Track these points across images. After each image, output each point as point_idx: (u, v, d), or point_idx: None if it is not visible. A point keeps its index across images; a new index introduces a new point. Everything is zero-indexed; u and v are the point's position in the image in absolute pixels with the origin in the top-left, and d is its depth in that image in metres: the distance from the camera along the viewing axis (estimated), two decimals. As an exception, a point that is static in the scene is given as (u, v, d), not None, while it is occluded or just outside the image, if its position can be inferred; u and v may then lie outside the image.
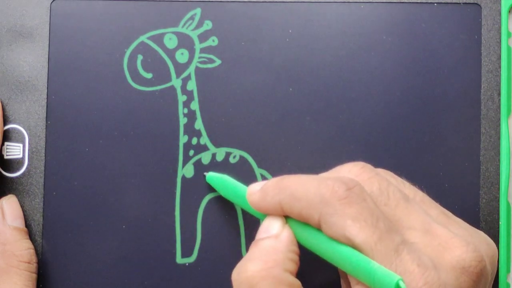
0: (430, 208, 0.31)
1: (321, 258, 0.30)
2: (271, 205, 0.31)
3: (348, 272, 0.28)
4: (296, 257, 0.30)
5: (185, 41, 0.38)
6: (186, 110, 0.38)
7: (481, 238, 0.30)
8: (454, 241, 0.29)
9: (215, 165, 0.38)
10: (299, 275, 0.30)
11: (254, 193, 0.32)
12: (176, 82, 0.38)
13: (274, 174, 0.38)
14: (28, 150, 0.38)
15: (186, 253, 0.38)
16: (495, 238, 0.37)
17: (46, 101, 0.38)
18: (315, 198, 0.29)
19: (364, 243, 0.28)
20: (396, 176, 0.32)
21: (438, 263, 0.28)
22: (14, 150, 0.38)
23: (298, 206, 0.30)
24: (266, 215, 0.32)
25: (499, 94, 0.38)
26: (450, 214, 0.31)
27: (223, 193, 0.37)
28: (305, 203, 0.29)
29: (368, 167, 0.31)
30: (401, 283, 0.26)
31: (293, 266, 0.30)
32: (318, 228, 0.29)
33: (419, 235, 0.29)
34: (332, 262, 0.29)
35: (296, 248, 0.30)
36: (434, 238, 0.29)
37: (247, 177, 0.37)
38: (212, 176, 0.37)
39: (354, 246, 0.28)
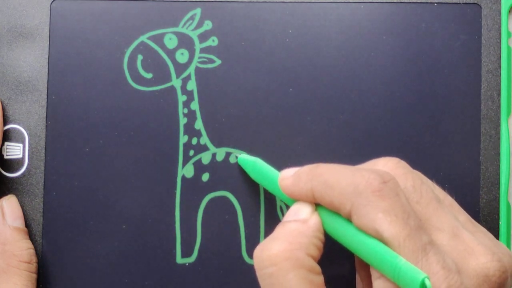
0: (459, 213, 0.31)
1: (338, 248, 0.30)
2: (303, 191, 0.31)
3: (372, 264, 0.28)
4: (320, 244, 0.30)
5: (185, 41, 0.38)
6: (186, 110, 0.38)
7: (505, 250, 0.30)
8: (479, 249, 0.29)
9: (215, 165, 0.38)
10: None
11: (287, 178, 0.32)
12: (176, 82, 0.38)
13: (274, 174, 0.38)
14: (28, 150, 0.38)
15: (186, 253, 0.38)
16: (495, 238, 0.37)
17: (46, 101, 0.38)
18: (348, 188, 0.29)
19: (393, 238, 0.28)
20: (427, 178, 0.32)
21: (462, 268, 0.28)
22: (14, 150, 0.38)
23: (330, 194, 0.29)
24: (295, 201, 0.31)
25: (499, 94, 0.38)
26: (476, 223, 0.31)
27: (253, 176, 0.37)
28: (337, 191, 0.29)
29: (403, 163, 0.31)
30: (427, 281, 0.26)
31: (317, 252, 0.30)
32: (348, 219, 0.29)
33: (446, 238, 0.29)
34: (357, 253, 0.29)
35: (322, 236, 0.30)
36: (460, 242, 0.29)
37: (247, 177, 0.37)
38: (243, 159, 0.37)
39: (382, 240, 0.28)
